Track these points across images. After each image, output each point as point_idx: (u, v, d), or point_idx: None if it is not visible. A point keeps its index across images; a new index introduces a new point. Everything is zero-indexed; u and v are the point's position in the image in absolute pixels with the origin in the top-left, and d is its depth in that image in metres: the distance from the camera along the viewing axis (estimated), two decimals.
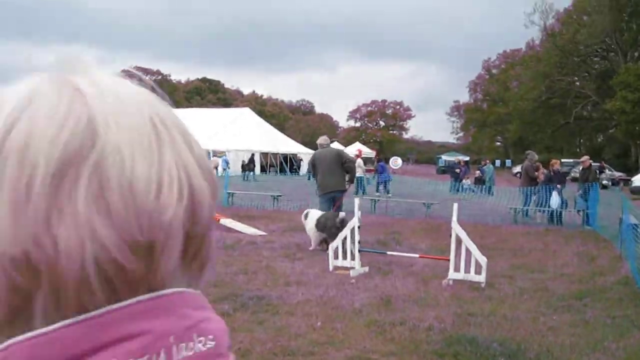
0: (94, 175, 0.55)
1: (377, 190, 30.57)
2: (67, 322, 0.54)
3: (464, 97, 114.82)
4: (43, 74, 0.61)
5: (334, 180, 13.63)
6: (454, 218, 10.55)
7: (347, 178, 13.94)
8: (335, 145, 73.06)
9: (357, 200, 11.58)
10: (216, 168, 45.69)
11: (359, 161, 31.67)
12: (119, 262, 0.56)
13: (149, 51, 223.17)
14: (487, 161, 38.21)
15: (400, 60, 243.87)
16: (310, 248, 13.26)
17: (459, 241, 10.47)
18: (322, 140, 14.48)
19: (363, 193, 29.08)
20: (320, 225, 13.11)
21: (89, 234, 0.54)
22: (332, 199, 13.68)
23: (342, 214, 12.91)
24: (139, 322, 0.57)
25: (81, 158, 0.55)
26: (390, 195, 28.86)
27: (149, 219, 0.57)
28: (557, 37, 72.79)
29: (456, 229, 10.49)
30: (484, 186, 31.40)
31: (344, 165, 13.80)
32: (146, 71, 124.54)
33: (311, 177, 15.18)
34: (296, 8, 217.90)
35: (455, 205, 10.69)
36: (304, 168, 52.40)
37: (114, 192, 0.56)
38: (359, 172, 30.18)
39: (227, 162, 46.23)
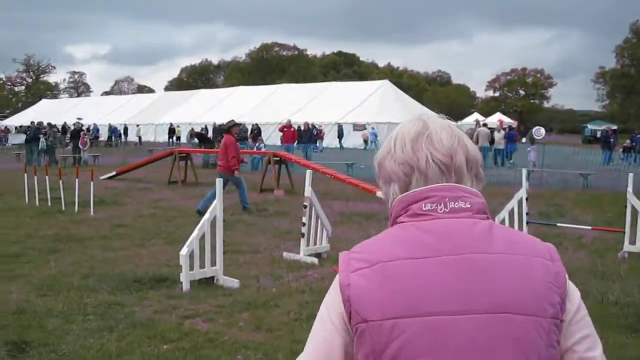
0: (427, 138, 1.60)
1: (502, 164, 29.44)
2: (419, 189, 1.57)
3: (610, 63, 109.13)
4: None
5: None
6: (629, 188, 10.14)
7: None
8: (475, 116, 71.80)
9: (524, 171, 11.34)
10: (365, 141, 45.79)
11: (483, 130, 30.75)
12: (442, 165, 1.57)
13: (284, 28, 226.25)
14: None
15: (538, 27, 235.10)
16: None
17: (633, 212, 10.06)
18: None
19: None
20: None
21: (430, 155, 1.57)
22: None
23: None
24: (437, 192, 1.55)
25: (422, 134, 1.61)
26: (514, 164, 28.00)
27: (448, 158, 1.59)
28: None
29: (631, 199, 10.07)
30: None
31: None
32: (283, 47, 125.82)
33: None
34: None
35: (631, 175, 10.26)
36: None
37: (436, 143, 1.59)
38: (484, 143, 29.48)
39: (375, 135, 46.49)
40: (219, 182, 8.05)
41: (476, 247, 1.48)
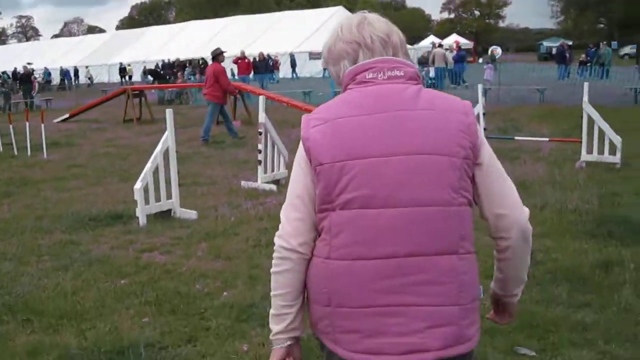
0: (368, 24, 2.10)
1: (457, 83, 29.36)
2: (365, 61, 2.06)
3: None
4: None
5: None
6: (585, 98, 10.12)
7: None
8: (431, 38, 71.48)
9: (480, 87, 11.28)
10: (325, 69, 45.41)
11: (438, 51, 30.78)
12: (383, 41, 2.07)
13: None
14: (604, 43, 35.83)
15: None
16: None
17: (590, 122, 10.08)
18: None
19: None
20: None
21: (372, 34, 2.10)
22: None
23: None
24: (378, 63, 2.04)
25: (363, 21, 2.11)
26: (466, 84, 28.10)
27: (386, 37, 2.09)
28: None
29: (587, 109, 10.09)
30: (595, 68, 29.87)
31: None
32: None
33: None
34: None
35: (586, 85, 10.24)
36: None
37: (375, 26, 2.10)
38: (440, 64, 29.44)
39: None
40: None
41: (404, 106, 1.99)
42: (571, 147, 10.86)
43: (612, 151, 9.85)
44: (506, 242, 2.06)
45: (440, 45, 34.79)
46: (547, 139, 11.38)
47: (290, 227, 2.08)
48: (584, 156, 10.08)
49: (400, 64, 2.06)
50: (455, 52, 33.54)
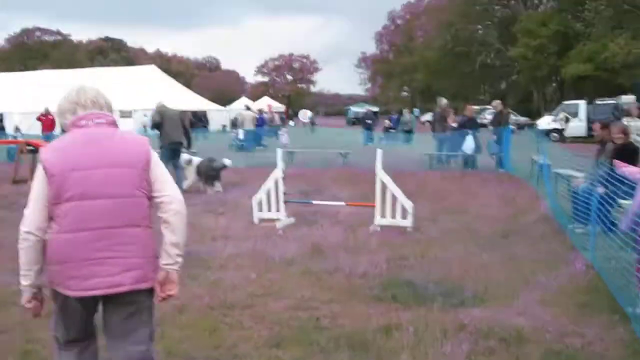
0: (82, 91, 3.64)
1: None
2: (82, 114, 3.54)
3: (371, 49, 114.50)
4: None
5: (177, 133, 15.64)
6: (378, 165, 10.55)
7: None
8: (244, 100, 72.37)
9: (279, 151, 11.44)
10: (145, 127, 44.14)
11: (248, 114, 31.79)
12: (91, 102, 3.58)
13: (47, 12, 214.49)
14: (407, 110, 37.63)
15: (304, 14, 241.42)
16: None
17: (383, 187, 10.48)
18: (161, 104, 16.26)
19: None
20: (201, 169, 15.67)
21: (85, 97, 3.60)
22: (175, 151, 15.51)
23: (226, 160, 16.04)
24: (89, 115, 3.51)
25: (81, 90, 3.64)
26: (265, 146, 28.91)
27: (95, 99, 3.60)
28: None
29: (381, 175, 10.48)
30: (399, 134, 31.37)
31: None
32: (45, 31, 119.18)
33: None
34: None
35: (379, 152, 10.71)
36: (213, 124, 51.58)
37: (88, 93, 3.64)
38: (249, 126, 30.03)
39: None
40: None
41: (105, 139, 3.43)
42: (367, 211, 11.21)
43: (404, 215, 10.27)
44: (172, 213, 3.47)
45: (249, 108, 35.38)
46: (344, 203, 11.69)
47: (29, 218, 3.38)
48: (378, 220, 10.44)
49: (103, 115, 3.55)
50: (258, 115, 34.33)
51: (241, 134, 29.27)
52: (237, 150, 27.60)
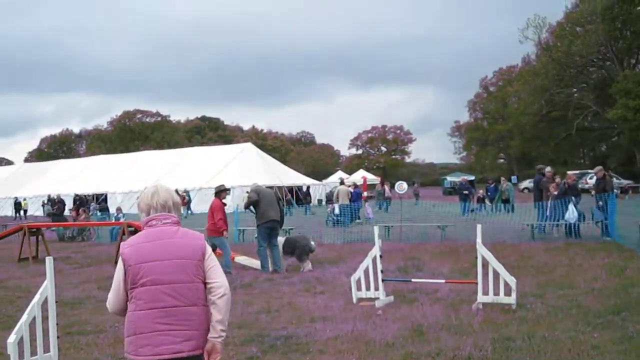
0: (156, 194, 4.43)
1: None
2: (152, 215, 4.37)
3: (464, 117, 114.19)
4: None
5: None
6: (479, 240, 10.23)
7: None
8: (339, 174, 72.87)
9: (376, 229, 11.28)
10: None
11: (342, 188, 31.80)
12: (161, 205, 4.40)
13: (147, 95, 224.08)
14: (504, 178, 36.80)
15: (395, 86, 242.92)
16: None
17: (484, 263, 10.16)
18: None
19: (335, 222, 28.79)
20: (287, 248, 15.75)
21: (157, 201, 4.40)
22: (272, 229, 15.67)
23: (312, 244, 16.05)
24: (159, 216, 4.35)
25: (155, 193, 4.44)
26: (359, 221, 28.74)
27: (164, 202, 4.40)
28: (552, 50, 72.48)
29: (481, 250, 10.17)
30: (497, 204, 30.69)
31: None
32: (145, 113, 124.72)
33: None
34: (286, 41, 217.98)
35: (479, 227, 10.37)
36: (314, 199, 51.98)
37: (160, 196, 4.43)
38: (344, 201, 29.91)
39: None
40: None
41: (170, 236, 4.22)
42: (470, 287, 10.89)
43: (508, 292, 9.88)
44: (219, 296, 4.18)
45: (343, 183, 35.40)
46: (443, 281, 11.40)
47: (111, 301, 4.30)
48: (480, 297, 10.08)
49: (169, 216, 4.36)
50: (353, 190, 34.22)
51: (337, 209, 29.22)
52: (334, 225, 27.51)
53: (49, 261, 7.56)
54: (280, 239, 15.98)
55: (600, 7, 63.04)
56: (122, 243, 4.82)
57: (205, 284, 4.25)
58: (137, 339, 4.12)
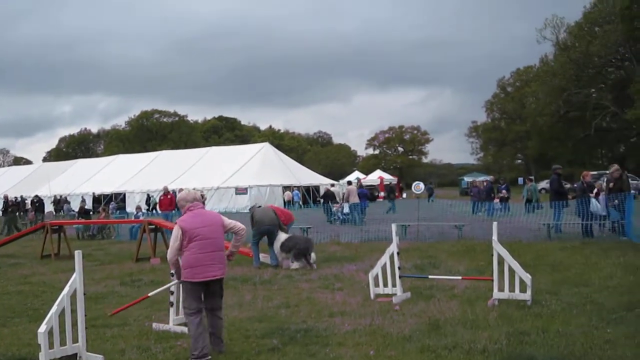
0: (193, 191, 8.87)
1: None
2: (192, 203, 8.27)
3: (481, 118, 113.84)
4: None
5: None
6: (495, 237, 10.38)
7: None
8: (356, 174, 72.92)
9: (394, 227, 11.47)
10: (289, 202, 45.18)
11: (351, 188, 32.45)
12: (196, 198, 8.44)
13: (165, 95, 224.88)
14: (532, 178, 36.63)
15: (413, 86, 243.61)
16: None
17: (500, 260, 10.32)
18: None
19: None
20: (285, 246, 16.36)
21: (195, 196, 8.52)
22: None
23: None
24: (196, 204, 8.26)
25: (190, 192, 8.64)
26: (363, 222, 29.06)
27: (198, 197, 8.68)
28: (570, 50, 72.29)
29: (497, 248, 10.33)
30: (526, 204, 30.56)
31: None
32: (163, 113, 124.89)
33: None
34: (303, 42, 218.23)
35: (495, 224, 10.53)
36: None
37: (197, 194, 8.79)
38: (354, 200, 30.30)
39: (298, 195, 48.44)
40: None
41: (204, 214, 8.19)
42: (485, 284, 11.06)
43: (523, 288, 10.04)
44: (242, 233, 8.45)
45: (350, 182, 36.21)
46: (460, 277, 11.58)
47: (171, 252, 7.97)
48: (496, 294, 10.25)
49: (200, 204, 8.24)
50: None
51: (346, 208, 29.72)
52: (340, 224, 27.99)
53: (77, 255, 7.82)
54: (284, 236, 16.52)
55: (618, 7, 62.77)
56: (178, 219, 8.39)
57: (229, 233, 8.42)
58: (193, 269, 7.69)
